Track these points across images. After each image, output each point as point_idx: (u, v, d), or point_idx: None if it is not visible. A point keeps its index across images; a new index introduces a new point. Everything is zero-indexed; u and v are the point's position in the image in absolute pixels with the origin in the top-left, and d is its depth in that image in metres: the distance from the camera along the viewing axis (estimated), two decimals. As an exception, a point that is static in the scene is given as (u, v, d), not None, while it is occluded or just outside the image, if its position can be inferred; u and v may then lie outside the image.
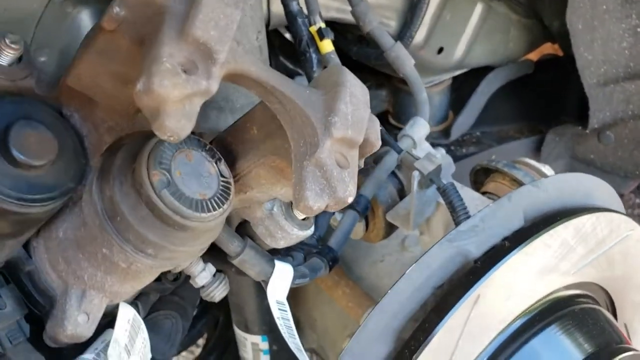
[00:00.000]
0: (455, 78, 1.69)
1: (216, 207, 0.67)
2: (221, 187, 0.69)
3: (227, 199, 0.69)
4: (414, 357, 0.81)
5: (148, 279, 0.76)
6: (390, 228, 1.21)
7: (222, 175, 0.70)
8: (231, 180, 0.71)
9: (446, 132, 1.72)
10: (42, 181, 0.65)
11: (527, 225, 0.90)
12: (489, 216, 0.90)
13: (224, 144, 0.76)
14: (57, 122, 0.69)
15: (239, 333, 1.30)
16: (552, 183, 0.96)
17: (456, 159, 1.79)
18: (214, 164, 0.70)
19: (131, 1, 0.58)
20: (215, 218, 0.68)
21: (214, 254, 0.80)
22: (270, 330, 1.27)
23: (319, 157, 0.62)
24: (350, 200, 0.64)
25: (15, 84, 0.68)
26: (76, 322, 0.70)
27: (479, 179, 1.19)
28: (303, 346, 1.39)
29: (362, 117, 0.66)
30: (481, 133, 1.92)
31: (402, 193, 1.18)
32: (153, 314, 0.90)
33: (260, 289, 1.24)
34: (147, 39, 0.58)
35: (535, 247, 0.87)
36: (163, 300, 0.91)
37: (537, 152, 1.82)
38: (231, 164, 0.74)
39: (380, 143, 0.70)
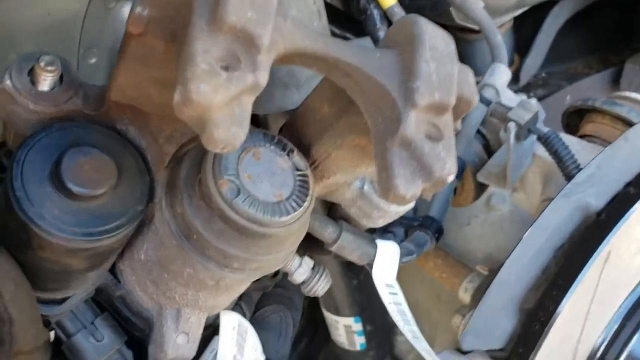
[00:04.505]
0: (515, 18, 1.57)
1: (296, 206, 0.57)
2: (298, 183, 0.59)
3: (307, 195, 0.59)
4: (545, 328, 0.72)
5: (242, 288, 0.67)
6: (481, 189, 1.10)
7: (297, 169, 0.60)
8: (308, 172, 0.60)
9: (514, 77, 1.60)
10: (107, 210, 0.57)
11: (651, 165, 0.79)
12: (606, 161, 0.78)
13: (294, 128, 0.65)
14: (113, 140, 0.61)
15: (329, 316, 1.23)
16: (668, 114, 0.85)
17: (526, 104, 1.67)
18: (286, 157, 0.59)
19: None
20: (298, 218, 0.58)
21: (309, 243, 0.71)
22: (362, 310, 1.19)
23: (404, 134, 0.51)
24: (450, 179, 0.51)
25: (61, 108, 0.60)
26: (176, 345, 0.63)
27: (572, 122, 1.07)
28: (391, 323, 1.32)
29: (449, 73, 0.53)
30: (547, 74, 1.78)
31: (488, 149, 1.08)
32: (259, 312, 0.83)
33: (346, 268, 1.16)
34: (179, 34, 0.48)
35: (664, 189, 0.76)
36: (267, 295, 0.83)
37: (613, 85, 1.67)
38: (306, 151, 0.63)
39: (477, 97, 0.56)
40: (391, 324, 1.25)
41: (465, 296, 1.09)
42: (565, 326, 0.72)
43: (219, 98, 0.44)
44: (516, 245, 0.73)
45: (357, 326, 1.18)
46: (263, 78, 0.46)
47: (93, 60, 0.88)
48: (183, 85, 0.44)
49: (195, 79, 0.44)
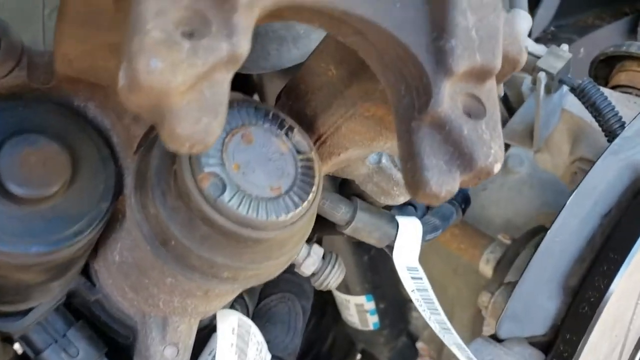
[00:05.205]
0: (523, -33, 1.44)
1: (299, 201, 0.45)
2: (301, 170, 0.46)
3: (312, 184, 0.46)
4: (597, 310, 0.61)
5: (236, 294, 0.57)
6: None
7: (298, 151, 0.47)
8: (313, 155, 0.48)
9: (524, 30, 1.48)
10: (62, 213, 0.45)
11: None
12: (659, 112, 0.67)
13: (295, 95, 0.52)
14: (67, 122, 0.48)
15: (339, 295, 1.12)
16: None
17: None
18: (285, 137, 0.47)
19: None
20: (302, 215, 0.46)
21: (318, 224, 0.60)
22: (374, 287, 1.09)
23: (435, 112, 0.39)
24: (497, 168, 0.40)
25: (1, 83, 0.47)
26: (164, 359, 0.53)
27: (601, 73, 0.95)
28: (405, 298, 1.21)
29: (493, 27, 0.41)
30: (556, 27, 1.66)
31: (508, 106, 0.96)
32: (264, 302, 0.71)
33: (356, 244, 1.06)
34: None
35: None
36: (272, 282, 0.71)
37: (629, 35, 1.56)
38: (311, 122, 0.51)
39: (526, 54, 0.44)
40: (406, 299, 1.15)
41: (486, 268, 0.98)
42: (617, 305, 0.60)
43: (181, 79, 0.32)
44: (558, 214, 0.61)
45: (370, 305, 1.08)
46: (243, 46, 0.34)
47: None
48: (129, 63, 0.32)
49: (144, 53, 0.32)
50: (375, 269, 1.06)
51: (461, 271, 1.13)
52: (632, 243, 0.59)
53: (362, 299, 1.07)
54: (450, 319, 1.14)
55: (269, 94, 0.83)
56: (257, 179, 0.44)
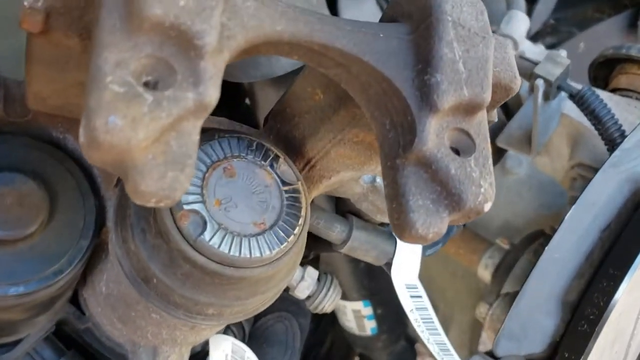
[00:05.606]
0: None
1: (284, 236, 0.43)
2: (287, 202, 0.44)
3: (298, 217, 0.44)
4: (596, 328, 0.59)
5: (224, 325, 0.55)
6: (499, 155, 0.97)
7: (284, 182, 0.45)
8: (299, 186, 0.46)
9: (523, 25, 1.45)
10: (40, 252, 0.43)
11: None
12: (659, 121, 0.66)
13: (282, 117, 0.51)
14: (45, 156, 0.46)
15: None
16: None
17: (534, 54, 1.52)
18: (270, 168, 0.45)
19: None
20: (288, 250, 0.43)
21: (313, 242, 0.57)
22: (372, 293, 1.07)
23: (420, 150, 0.37)
24: (487, 208, 0.38)
25: None
26: None
27: (601, 74, 0.93)
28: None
29: (482, 58, 0.38)
30: (555, 20, 1.64)
31: (506, 110, 0.94)
32: (260, 321, 0.69)
33: (352, 250, 1.04)
34: (92, 32, 0.35)
35: None
36: (268, 301, 0.70)
37: (629, 29, 1.53)
38: (300, 146, 0.49)
39: (519, 82, 0.42)
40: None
41: (485, 273, 0.97)
42: (618, 322, 0.59)
43: (142, 134, 0.30)
44: (559, 226, 0.59)
45: (367, 310, 1.06)
46: (211, 94, 0.32)
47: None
48: (87, 121, 0.30)
49: (102, 110, 0.30)
50: (372, 275, 1.05)
51: (460, 274, 1.12)
52: (633, 259, 0.57)
53: (359, 305, 1.06)
54: (449, 322, 1.12)
55: (260, 102, 0.81)
56: (240, 214, 0.42)
